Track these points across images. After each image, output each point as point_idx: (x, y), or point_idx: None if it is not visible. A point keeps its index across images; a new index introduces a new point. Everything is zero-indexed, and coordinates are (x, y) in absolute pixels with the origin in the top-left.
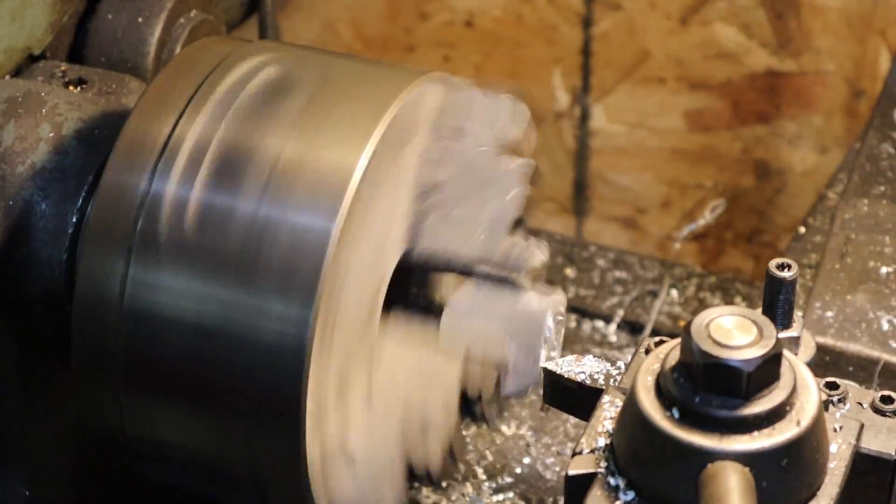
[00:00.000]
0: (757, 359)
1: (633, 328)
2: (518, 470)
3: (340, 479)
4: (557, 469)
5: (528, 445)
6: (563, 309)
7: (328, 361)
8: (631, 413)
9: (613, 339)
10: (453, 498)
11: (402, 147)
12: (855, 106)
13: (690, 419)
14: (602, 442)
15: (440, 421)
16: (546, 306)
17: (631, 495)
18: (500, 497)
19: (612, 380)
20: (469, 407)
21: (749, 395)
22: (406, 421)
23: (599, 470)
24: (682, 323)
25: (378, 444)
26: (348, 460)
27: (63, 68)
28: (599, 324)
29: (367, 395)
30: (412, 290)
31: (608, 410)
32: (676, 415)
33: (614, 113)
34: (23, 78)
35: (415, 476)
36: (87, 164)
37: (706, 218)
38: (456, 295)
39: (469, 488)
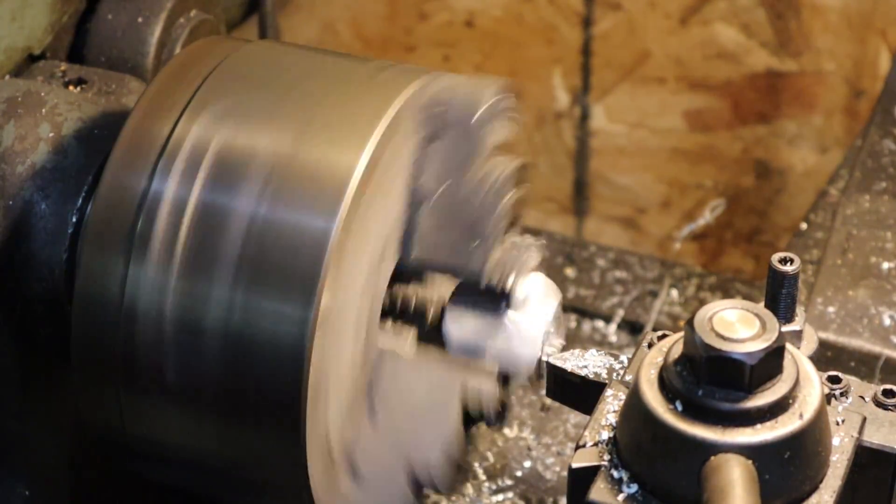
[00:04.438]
0: (760, 352)
1: (633, 328)
2: (518, 471)
3: (346, 493)
4: (558, 469)
5: (528, 447)
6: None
7: (329, 362)
8: (634, 406)
9: (613, 339)
10: (453, 498)
11: (402, 146)
12: (855, 106)
13: (693, 412)
14: (605, 435)
15: (443, 431)
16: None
17: (634, 488)
18: (501, 497)
19: (614, 374)
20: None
21: (752, 388)
22: (410, 432)
23: (603, 463)
24: (682, 323)
25: (382, 456)
26: (354, 474)
27: (63, 68)
28: (599, 324)
29: (371, 406)
30: (407, 295)
31: (611, 404)
32: (679, 408)
33: (614, 113)
34: (23, 78)
35: (420, 488)
36: (87, 164)
37: (706, 218)
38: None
39: (469, 489)
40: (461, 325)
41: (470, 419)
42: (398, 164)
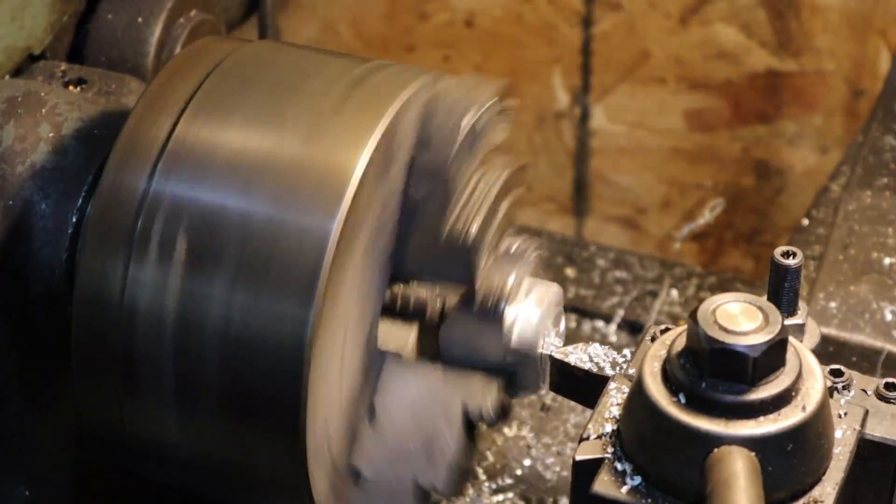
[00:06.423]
0: (763, 344)
1: (633, 328)
2: (518, 470)
3: (348, 497)
4: (558, 469)
5: (528, 447)
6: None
7: (329, 361)
8: (638, 399)
9: (613, 339)
10: (453, 498)
11: (403, 146)
12: (855, 106)
13: (697, 404)
14: (609, 428)
15: (447, 435)
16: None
17: (638, 480)
18: (501, 497)
19: (618, 367)
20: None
21: (755, 381)
22: (412, 437)
23: (606, 455)
24: (682, 323)
25: (385, 461)
26: (356, 478)
27: (63, 68)
28: (599, 324)
29: (372, 410)
30: (407, 294)
31: (614, 397)
32: (683, 400)
33: (614, 113)
34: (23, 78)
35: (425, 493)
36: (87, 164)
37: (706, 217)
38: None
39: (469, 488)
40: (458, 334)
41: (471, 422)
42: (399, 164)
